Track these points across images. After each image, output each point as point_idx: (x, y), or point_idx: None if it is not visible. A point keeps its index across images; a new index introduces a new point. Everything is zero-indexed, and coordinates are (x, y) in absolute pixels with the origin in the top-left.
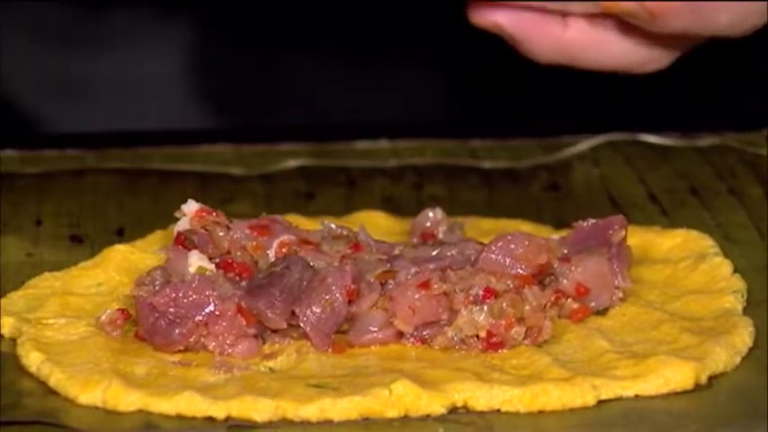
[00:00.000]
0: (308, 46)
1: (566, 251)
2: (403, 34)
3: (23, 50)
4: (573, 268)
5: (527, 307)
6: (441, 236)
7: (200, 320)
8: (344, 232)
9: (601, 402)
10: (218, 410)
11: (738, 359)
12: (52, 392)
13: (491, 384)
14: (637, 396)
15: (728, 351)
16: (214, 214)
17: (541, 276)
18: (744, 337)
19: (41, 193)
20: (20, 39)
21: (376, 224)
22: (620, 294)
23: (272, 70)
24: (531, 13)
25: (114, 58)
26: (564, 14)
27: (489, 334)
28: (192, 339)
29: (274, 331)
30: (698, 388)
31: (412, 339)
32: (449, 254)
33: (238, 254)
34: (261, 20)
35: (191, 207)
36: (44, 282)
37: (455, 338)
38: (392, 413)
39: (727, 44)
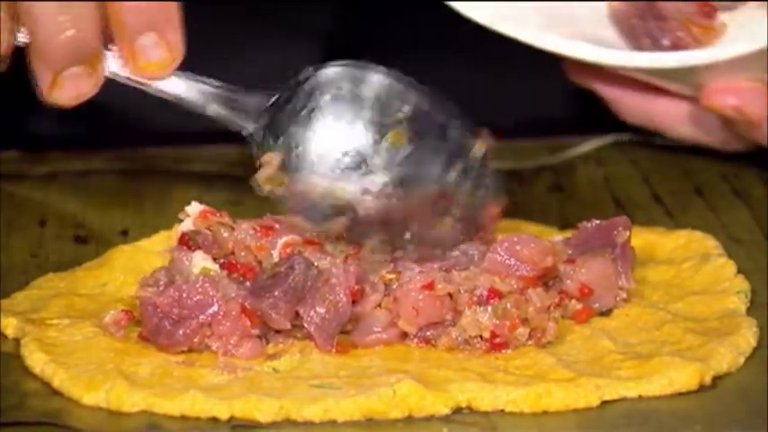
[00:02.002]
0: (309, 46)
1: (570, 252)
2: (407, 35)
3: None
4: (577, 269)
5: (531, 308)
6: None
7: (204, 321)
8: None
9: (604, 403)
10: (222, 411)
11: (742, 360)
12: (56, 393)
13: (495, 385)
14: (640, 397)
15: (732, 352)
16: (218, 215)
17: (546, 279)
18: (748, 337)
19: (46, 194)
20: None
21: None
22: (624, 295)
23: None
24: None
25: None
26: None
27: (493, 335)
28: (195, 340)
29: (278, 332)
30: (702, 389)
31: (416, 340)
32: (453, 254)
33: (242, 254)
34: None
35: (195, 208)
36: (48, 282)
37: (459, 339)
38: (396, 413)
39: None
